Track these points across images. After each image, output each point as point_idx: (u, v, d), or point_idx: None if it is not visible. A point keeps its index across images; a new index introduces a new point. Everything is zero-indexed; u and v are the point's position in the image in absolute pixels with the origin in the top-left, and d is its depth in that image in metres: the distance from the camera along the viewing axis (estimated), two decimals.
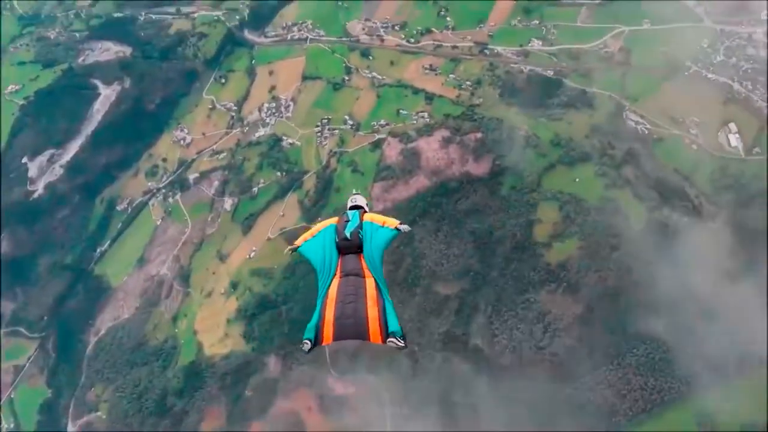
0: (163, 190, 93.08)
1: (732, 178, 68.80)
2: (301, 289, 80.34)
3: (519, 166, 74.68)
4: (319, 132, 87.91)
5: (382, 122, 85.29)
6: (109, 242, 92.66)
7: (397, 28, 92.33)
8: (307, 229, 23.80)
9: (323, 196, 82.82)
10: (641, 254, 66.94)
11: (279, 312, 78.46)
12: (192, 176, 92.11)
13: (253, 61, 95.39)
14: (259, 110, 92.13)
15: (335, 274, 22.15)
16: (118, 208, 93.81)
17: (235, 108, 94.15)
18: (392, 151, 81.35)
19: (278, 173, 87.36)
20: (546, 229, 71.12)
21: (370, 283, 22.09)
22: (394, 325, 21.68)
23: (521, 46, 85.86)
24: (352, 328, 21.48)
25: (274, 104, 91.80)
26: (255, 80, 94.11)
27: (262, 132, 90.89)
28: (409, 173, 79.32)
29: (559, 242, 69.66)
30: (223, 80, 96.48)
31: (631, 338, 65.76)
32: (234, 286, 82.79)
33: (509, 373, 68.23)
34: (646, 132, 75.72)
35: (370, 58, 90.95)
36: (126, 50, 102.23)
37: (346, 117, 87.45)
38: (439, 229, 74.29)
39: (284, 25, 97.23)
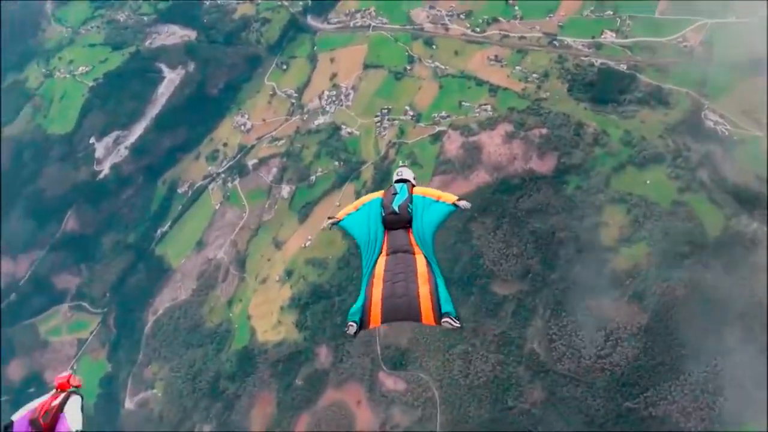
0: (223, 175, 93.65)
1: None
2: (354, 280, 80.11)
3: (586, 165, 71.32)
4: (378, 122, 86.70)
5: (444, 114, 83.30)
6: (169, 224, 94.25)
7: (462, 16, 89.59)
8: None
9: (380, 187, 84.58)
10: (715, 264, 62.96)
11: (332, 303, 78.17)
12: (251, 162, 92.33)
13: (314, 48, 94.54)
14: (320, 98, 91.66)
15: (381, 251, 20.42)
16: (179, 190, 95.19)
17: (296, 95, 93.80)
18: (452, 145, 79.32)
19: (336, 162, 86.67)
20: (613, 233, 67.86)
21: (420, 260, 20.18)
22: (447, 305, 19.67)
23: (593, 38, 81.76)
24: (403, 308, 19.62)
25: (334, 92, 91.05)
26: (316, 67, 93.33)
27: (321, 120, 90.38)
28: (470, 168, 77.07)
29: (627, 247, 66.47)
30: (284, 66, 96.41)
31: (700, 353, 63.25)
32: (289, 273, 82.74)
33: (566, 381, 65.62)
34: (726, 133, 71.16)
35: (434, 47, 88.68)
36: (191, 34, 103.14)
37: (407, 107, 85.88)
38: (498, 227, 71.94)
39: (347, 11, 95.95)
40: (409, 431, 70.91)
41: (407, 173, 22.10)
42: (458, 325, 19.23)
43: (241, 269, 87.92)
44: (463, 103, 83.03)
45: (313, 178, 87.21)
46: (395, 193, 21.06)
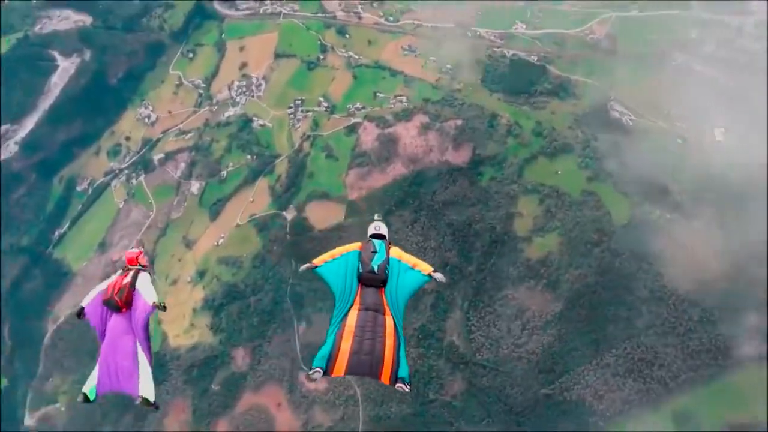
0: (126, 171, 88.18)
1: (717, 175, 65.77)
2: (270, 279, 76.75)
3: (499, 157, 71.69)
4: (291, 114, 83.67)
5: (358, 105, 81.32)
6: (68, 224, 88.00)
7: (375, 5, 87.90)
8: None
9: (295, 182, 78.77)
10: (624, 251, 64.34)
11: (248, 303, 75.00)
12: (157, 157, 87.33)
13: (223, 36, 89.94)
14: (229, 88, 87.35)
15: (354, 303, 21.57)
16: (78, 188, 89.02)
17: (204, 85, 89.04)
18: (368, 137, 77.78)
19: (248, 156, 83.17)
20: (526, 223, 68.66)
21: (389, 322, 21.52)
22: (404, 370, 21.20)
23: (505, 29, 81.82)
24: (366, 365, 21.03)
25: (244, 82, 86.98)
26: (225, 56, 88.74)
27: (231, 112, 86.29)
28: (386, 160, 75.93)
29: (540, 237, 67.32)
30: (190, 55, 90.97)
31: (610, 338, 64.36)
32: (201, 274, 78.95)
33: (486, 371, 65.78)
34: (631, 124, 72.98)
35: (347, 36, 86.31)
36: (86, 19, 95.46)
37: (321, 98, 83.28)
38: (416, 220, 71.33)
39: None
40: (331, 431, 69.55)
41: (384, 229, 22.76)
42: (408, 390, 20.70)
43: (149, 271, 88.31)
44: (377, 94, 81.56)
45: (224, 173, 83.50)
46: (374, 251, 21.81)
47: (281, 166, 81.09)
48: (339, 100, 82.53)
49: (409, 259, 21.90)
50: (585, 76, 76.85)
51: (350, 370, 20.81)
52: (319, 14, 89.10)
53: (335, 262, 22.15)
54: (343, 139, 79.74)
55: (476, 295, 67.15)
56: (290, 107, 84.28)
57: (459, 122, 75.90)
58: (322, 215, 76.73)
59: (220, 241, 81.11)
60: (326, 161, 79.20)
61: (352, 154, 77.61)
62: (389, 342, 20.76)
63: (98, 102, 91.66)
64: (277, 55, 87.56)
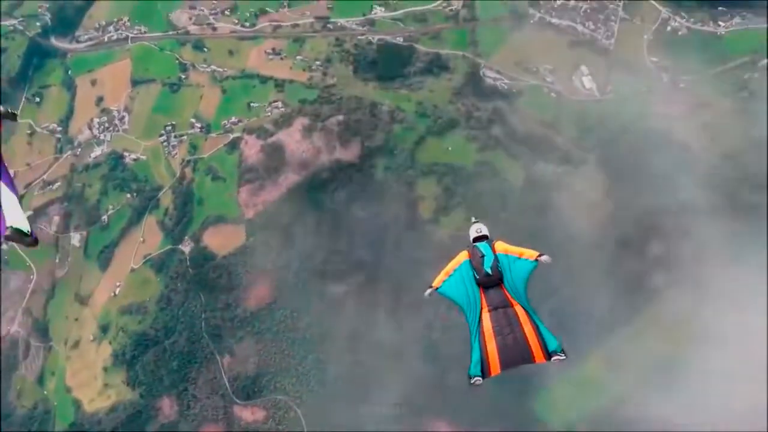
0: None
1: (593, 120, 68.79)
2: (181, 318, 71.85)
3: (389, 145, 70.77)
4: (164, 141, 78.27)
5: (234, 119, 77.22)
6: None
7: (228, 12, 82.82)
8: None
9: (185, 212, 74.04)
10: (526, 212, 65.66)
11: (163, 348, 69.91)
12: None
13: (69, 72, 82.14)
14: (90, 127, 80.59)
15: (482, 307, 23.23)
16: None
17: (60, 129, 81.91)
18: (252, 150, 74.29)
19: (128, 195, 77.19)
20: (430, 205, 68.36)
21: (519, 311, 23.25)
22: (552, 343, 22.88)
23: (364, 15, 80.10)
24: (518, 356, 22.94)
25: (105, 117, 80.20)
26: (76, 94, 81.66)
27: (98, 151, 79.59)
28: (276, 171, 73.05)
29: (445, 216, 67.47)
30: (37, 99, 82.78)
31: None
32: (104, 329, 72.80)
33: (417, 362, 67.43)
34: (506, 87, 73.95)
35: (205, 50, 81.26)
36: None
37: (192, 120, 78.23)
38: (320, 225, 69.25)
39: (97, 25, 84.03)
40: None
41: (484, 229, 24.54)
42: (564, 357, 22.65)
43: (44, 339, 76.00)
44: (251, 104, 77.76)
45: (105, 218, 77.23)
46: (483, 255, 23.38)
47: (166, 198, 75.78)
48: (212, 118, 77.77)
49: (515, 250, 23.50)
50: (452, 49, 76.49)
51: (504, 366, 22.82)
52: (170, 32, 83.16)
53: (452, 278, 23.88)
54: (226, 158, 75.43)
55: (398, 288, 64.75)
56: (161, 135, 78.55)
57: (341, 118, 74.00)
58: (221, 240, 72.85)
59: (117, 290, 74.71)
60: (213, 184, 74.99)
61: (239, 171, 74.06)
62: (527, 328, 22.72)
63: None
64: (135, 83, 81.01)
